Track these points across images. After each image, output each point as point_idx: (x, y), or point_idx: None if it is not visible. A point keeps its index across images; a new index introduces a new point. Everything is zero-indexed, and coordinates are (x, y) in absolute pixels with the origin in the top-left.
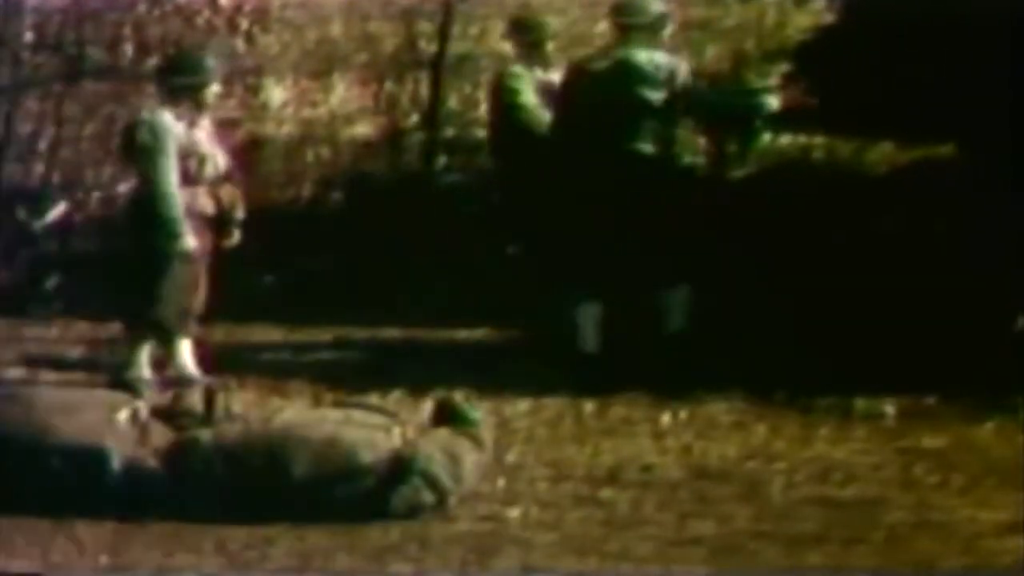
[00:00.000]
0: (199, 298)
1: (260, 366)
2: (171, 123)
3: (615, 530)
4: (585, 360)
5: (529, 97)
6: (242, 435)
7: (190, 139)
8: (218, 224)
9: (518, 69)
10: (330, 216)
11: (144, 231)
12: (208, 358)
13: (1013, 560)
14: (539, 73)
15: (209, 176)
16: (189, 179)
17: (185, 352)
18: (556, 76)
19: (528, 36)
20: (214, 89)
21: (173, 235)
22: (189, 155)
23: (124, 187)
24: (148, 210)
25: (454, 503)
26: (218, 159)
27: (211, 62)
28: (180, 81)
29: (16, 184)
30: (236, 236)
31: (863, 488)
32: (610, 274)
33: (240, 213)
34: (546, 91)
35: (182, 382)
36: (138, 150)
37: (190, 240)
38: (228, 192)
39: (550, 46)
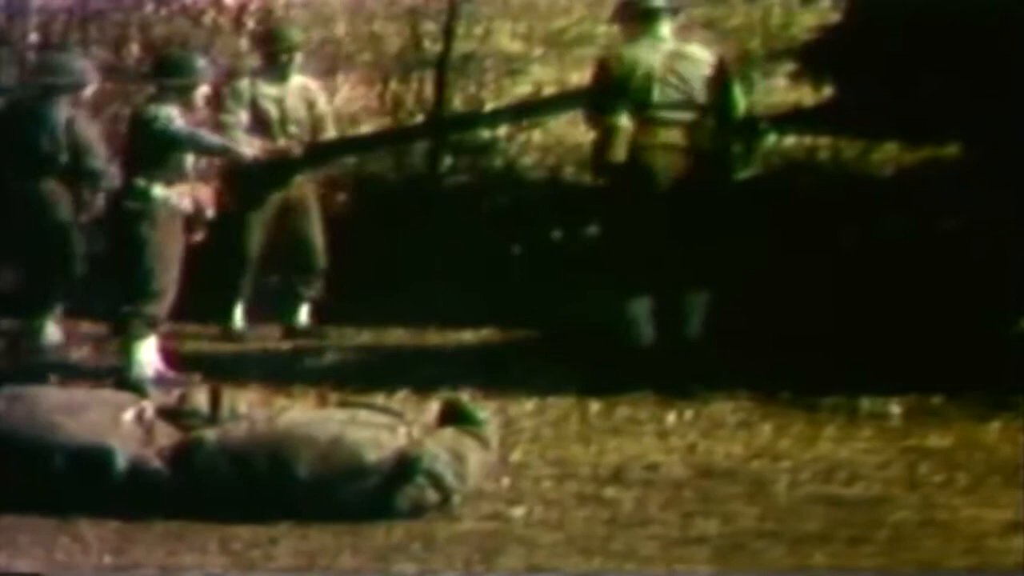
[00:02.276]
0: (172, 294)
1: (265, 366)
2: (181, 121)
3: (620, 529)
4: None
5: (233, 116)
6: (247, 435)
7: None
8: (189, 222)
9: (240, 85)
10: (334, 217)
11: (140, 226)
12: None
13: (1018, 559)
14: (266, 88)
15: (197, 174)
16: (183, 176)
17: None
18: (295, 87)
19: (270, 47)
20: (204, 90)
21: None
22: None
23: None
24: (149, 205)
25: (459, 502)
26: (201, 159)
27: (201, 63)
28: (171, 82)
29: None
30: (202, 234)
31: (868, 487)
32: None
33: (210, 212)
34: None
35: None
36: (159, 141)
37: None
38: (204, 191)
39: (284, 58)
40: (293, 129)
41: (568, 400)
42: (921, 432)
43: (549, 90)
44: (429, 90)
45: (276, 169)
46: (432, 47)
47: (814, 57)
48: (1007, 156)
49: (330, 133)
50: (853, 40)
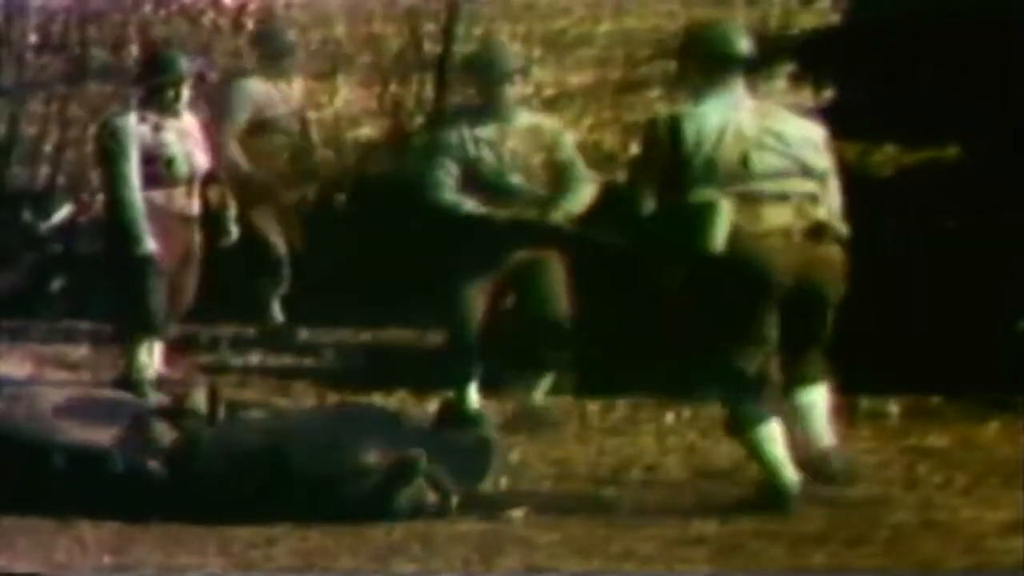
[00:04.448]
0: (185, 298)
1: (264, 366)
2: (133, 126)
3: (618, 530)
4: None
5: (443, 171)
6: (245, 435)
7: (156, 141)
8: (210, 224)
9: (446, 134)
10: (335, 218)
11: (112, 235)
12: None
13: (1016, 560)
14: (481, 130)
15: (182, 176)
16: (159, 181)
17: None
18: (521, 128)
19: (484, 76)
20: (186, 89)
21: (131, 239)
22: (154, 157)
23: None
24: (112, 215)
25: (457, 503)
26: (194, 158)
27: (183, 62)
28: (152, 81)
29: (21, 186)
30: (234, 234)
31: (867, 488)
32: None
33: (233, 211)
34: None
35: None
36: (101, 155)
37: (150, 243)
38: (215, 191)
39: (501, 90)
40: (515, 181)
41: (566, 400)
42: (920, 432)
43: (549, 92)
44: (429, 91)
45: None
46: (432, 48)
47: (814, 58)
48: (1006, 157)
49: (576, 188)
50: (853, 41)
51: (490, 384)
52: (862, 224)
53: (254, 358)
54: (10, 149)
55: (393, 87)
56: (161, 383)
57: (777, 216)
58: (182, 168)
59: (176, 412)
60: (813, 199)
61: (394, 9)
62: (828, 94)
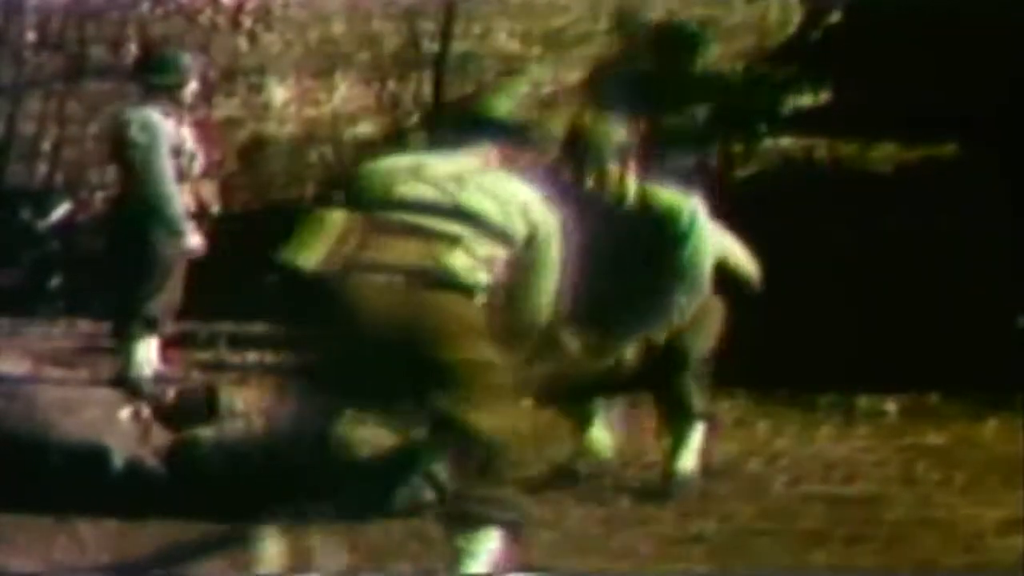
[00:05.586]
0: (179, 296)
1: (262, 365)
2: (161, 120)
3: (617, 528)
4: None
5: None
6: (243, 433)
7: (179, 136)
8: (196, 220)
9: None
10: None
11: (142, 229)
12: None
13: (1015, 558)
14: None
15: (196, 173)
16: (180, 176)
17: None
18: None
19: None
20: (192, 88)
21: (177, 233)
22: (180, 153)
23: None
24: (146, 208)
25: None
26: (199, 156)
27: (188, 61)
28: (157, 80)
29: (20, 184)
30: (206, 233)
31: (865, 486)
32: None
33: (215, 210)
34: None
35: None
36: (131, 148)
37: (193, 238)
38: (208, 189)
39: None
40: None
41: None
42: (918, 430)
43: (547, 90)
44: (427, 90)
45: None
46: (430, 46)
47: (812, 56)
48: (1004, 154)
49: None
50: (851, 39)
51: None
52: (862, 223)
53: (252, 356)
54: (8, 147)
55: (391, 85)
56: (159, 381)
57: (394, 250)
58: (197, 164)
59: (174, 411)
60: (454, 241)
61: (392, 8)
62: (827, 92)
